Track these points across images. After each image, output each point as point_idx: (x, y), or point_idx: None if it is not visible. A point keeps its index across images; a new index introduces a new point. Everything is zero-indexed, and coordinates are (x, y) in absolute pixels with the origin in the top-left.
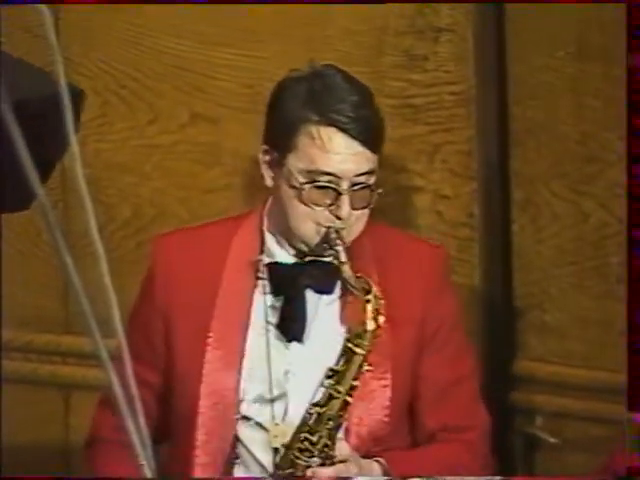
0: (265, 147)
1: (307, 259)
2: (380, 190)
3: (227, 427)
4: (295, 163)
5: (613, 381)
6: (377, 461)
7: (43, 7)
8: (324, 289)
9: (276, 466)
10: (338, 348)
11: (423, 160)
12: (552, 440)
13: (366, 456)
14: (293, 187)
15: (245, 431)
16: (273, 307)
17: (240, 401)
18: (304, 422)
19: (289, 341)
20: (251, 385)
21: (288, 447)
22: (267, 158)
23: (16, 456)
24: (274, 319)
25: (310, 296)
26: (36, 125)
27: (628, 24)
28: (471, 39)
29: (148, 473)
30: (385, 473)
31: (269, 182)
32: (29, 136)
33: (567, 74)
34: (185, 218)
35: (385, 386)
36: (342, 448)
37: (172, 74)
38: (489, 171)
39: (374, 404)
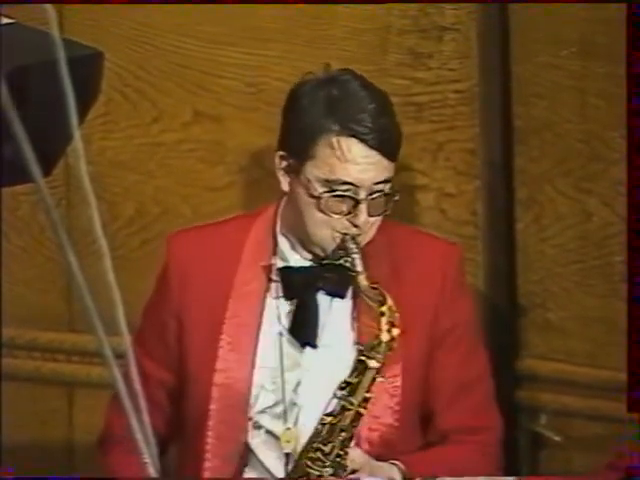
0: (282, 153)
1: (319, 262)
2: (397, 197)
3: (238, 432)
4: (314, 171)
5: (617, 379)
6: (394, 464)
7: (48, 6)
8: (337, 292)
9: (288, 475)
10: (349, 354)
11: (427, 158)
12: (556, 438)
13: (383, 460)
14: (311, 195)
15: (256, 438)
16: (286, 312)
17: (251, 407)
18: (317, 432)
19: (302, 346)
20: (263, 391)
21: (300, 456)
22: (284, 164)
23: (19, 454)
24: (287, 324)
25: (322, 300)
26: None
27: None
28: (475, 38)
29: (152, 471)
30: (404, 476)
31: (285, 187)
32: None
33: (571, 73)
34: (189, 216)
35: (395, 390)
36: (355, 457)
37: (176, 72)
38: (493, 169)
39: (383, 409)
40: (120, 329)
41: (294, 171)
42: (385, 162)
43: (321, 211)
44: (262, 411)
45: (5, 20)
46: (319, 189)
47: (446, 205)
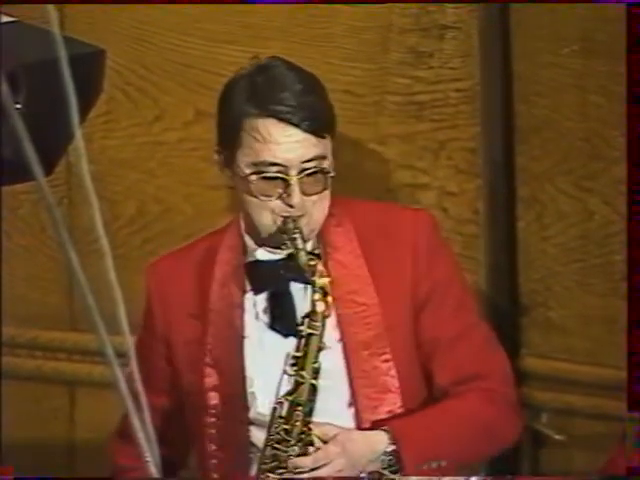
0: (217, 148)
1: (286, 253)
2: (333, 173)
3: (239, 434)
4: (243, 158)
5: (617, 378)
6: (383, 430)
7: (49, 6)
8: (306, 280)
9: (260, 461)
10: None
11: (428, 157)
12: (557, 437)
13: (371, 428)
14: (243, 181)
15: (257, 434)
16: (263, 308)
17: (249, 407)
18: (276, 413)
19: (286, 336)
20: (257, 390)
21: (266, 440)
22: (220, 158)
23: (20, 453)
24: (266, 319)
25: (296, 289)
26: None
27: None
28: (476, 36)
29: (153, 469)
30: (392, 440)
31: (228, 182)
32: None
33: (572, 71)
34: (190, 215)
35: (387, 360)
36: (322, 432)
37: (177, 71)
38: (494, 168)
39: (379, 381)
40: (121, 328)
41: (230, 163)
42: (313, 139)
43: (254, 195)
44: (260, 410)
45: (6, 18)
46: (247, 172)
47: (448, 204)
